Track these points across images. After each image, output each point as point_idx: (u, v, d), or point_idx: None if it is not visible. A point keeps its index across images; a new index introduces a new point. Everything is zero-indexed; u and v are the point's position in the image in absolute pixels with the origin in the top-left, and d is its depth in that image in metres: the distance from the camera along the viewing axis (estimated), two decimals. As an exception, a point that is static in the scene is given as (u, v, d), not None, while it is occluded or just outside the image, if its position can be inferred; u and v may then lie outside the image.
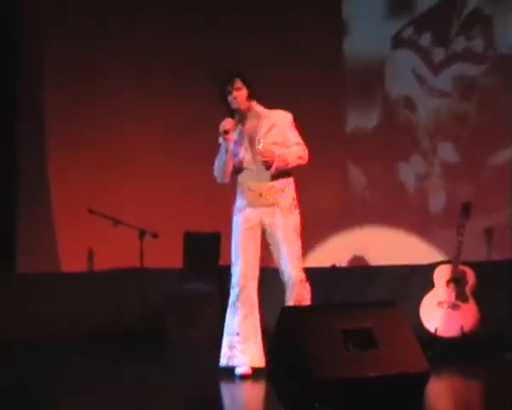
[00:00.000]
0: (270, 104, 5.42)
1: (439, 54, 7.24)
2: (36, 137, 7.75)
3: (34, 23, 7.77)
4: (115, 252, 7.30)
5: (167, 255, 7.09)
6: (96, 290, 7.40)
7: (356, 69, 7.44)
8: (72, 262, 7.59)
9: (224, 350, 5.34)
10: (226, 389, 5.19)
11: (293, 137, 5.33)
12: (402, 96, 7.35)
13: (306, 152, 5.33)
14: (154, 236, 6.81)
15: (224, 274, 6.84)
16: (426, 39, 7.28)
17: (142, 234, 6.80)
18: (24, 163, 7.70)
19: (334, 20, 7.52)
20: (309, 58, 7.33)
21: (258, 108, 5.36)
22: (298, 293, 5.25)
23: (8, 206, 7.64)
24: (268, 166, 5.22)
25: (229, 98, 5.29)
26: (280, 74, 7.17)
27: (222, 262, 7.07)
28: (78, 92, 7.61)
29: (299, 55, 7.32)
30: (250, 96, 5.32)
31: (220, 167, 5.36)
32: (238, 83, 5.28)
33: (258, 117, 5.33)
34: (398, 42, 7.36)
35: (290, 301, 5.27)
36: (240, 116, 5.34)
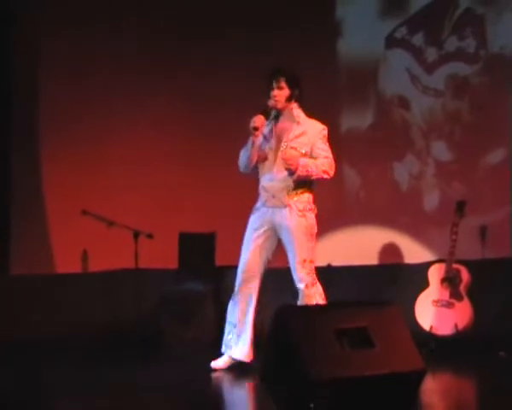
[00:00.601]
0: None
1: (432, 53, 7.26)
2: (30, 139, 7.75)
3: (28, 26, 7.76)
4: (110, 253, 7.29)
5: (162, 256, 7.09)
6: (91, 292, 7.38)
7: (350, 69, 7.45)
8: (66, 263, 7.58)
9: (225, 338, 5.46)
10: (221, 389, 5.22)
11: (323, 150, 5.30)
12: (396, 96, 7.37)
13: (333, 168, 5.31)
14: (149, 236, 6.80)
15: (220, 274, 6.87)
16: (419, 39, 7.30)
17: (136, 235, 6.78)
18: (18, 165, 7.69)
19: (327, 20, 7.53)
20: (302, 58, 7.33)
21: (296, 112, 5.37)
22: (307, 297, 5.25)
23: (2, 207, 7.64)
24: (291, 173, 5.22)
25: (271, 94, 5.31)
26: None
27: (217, 262, 7.07)
28: (72, 95, 7.61)
29: (292, 54, 7.32)
30: (291, 99, 5.33)
31: (245, 159, 5.37)
32: (282, 82, 5.30)
33: (293, 121, 5.35)
34: (391, 42, 7.37)
35: (301, 302, 5.28)
36: (276, 114, 5.37)
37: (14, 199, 7.68)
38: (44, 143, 7.73)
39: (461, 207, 6.24)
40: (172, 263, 7.16)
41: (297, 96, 5.35)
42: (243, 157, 5.37)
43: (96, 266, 7.51)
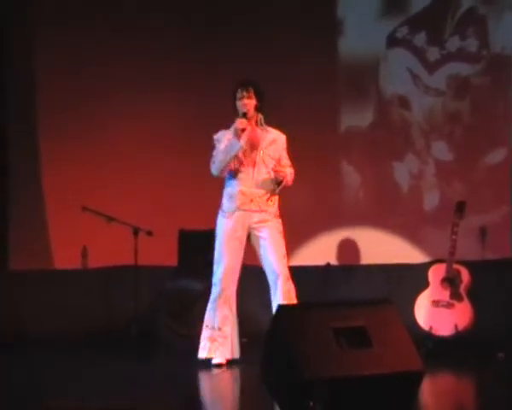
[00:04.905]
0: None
1: (433, 53, 7.25)
2: (28, 135, 7.74)
3: (24, 23, 7.75)
4: (109, 250, 7.29)
5: (162, 253, 7.08)
6: (90, 288, 7.38)
7: (350, 68, 7.44)
8: (66, 260, 7.57)
9: (204, 343, 5.62)
10: (219, 385, 5.23)
11: (287, 159, 5.65)
12: (396, 95, 7.36)
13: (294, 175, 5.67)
14: (149, 234, 6.80)
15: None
16: (420, 39, 7.29)
17: (136, 232, 6.79)
18: (17, 161, 7.69)
19: (328, 19, 7.53)
20: (303, 57, 7.33)
21: (263, 121, 5.64)
22: (287, 289, 5.51)
23: (1, 203, 7.63)
24: (279, 182, 5.50)
25: (238, 103, 5.55)
26: (273, 73, 7.17)
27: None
28: (71, 90, 7.60)
29: (293, 53, 7.33)
30: (257, 109, 5.58)
31: (224, 163, 5.53)
32: (251, 92, 5.55)
33: (262, 129, 5.63)
34: (392, 41, 7.36)
35: (278, 296, 5.48)
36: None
37: (13, 196, 7.67)
38: (43, 140, 7.72)
39: (461, 207, 6.23)
40: (172, 260, 7.15)
41: (261, 109, 5.61)
42: (222, 160, 5.52)
43: (95, 262, 7.51)
